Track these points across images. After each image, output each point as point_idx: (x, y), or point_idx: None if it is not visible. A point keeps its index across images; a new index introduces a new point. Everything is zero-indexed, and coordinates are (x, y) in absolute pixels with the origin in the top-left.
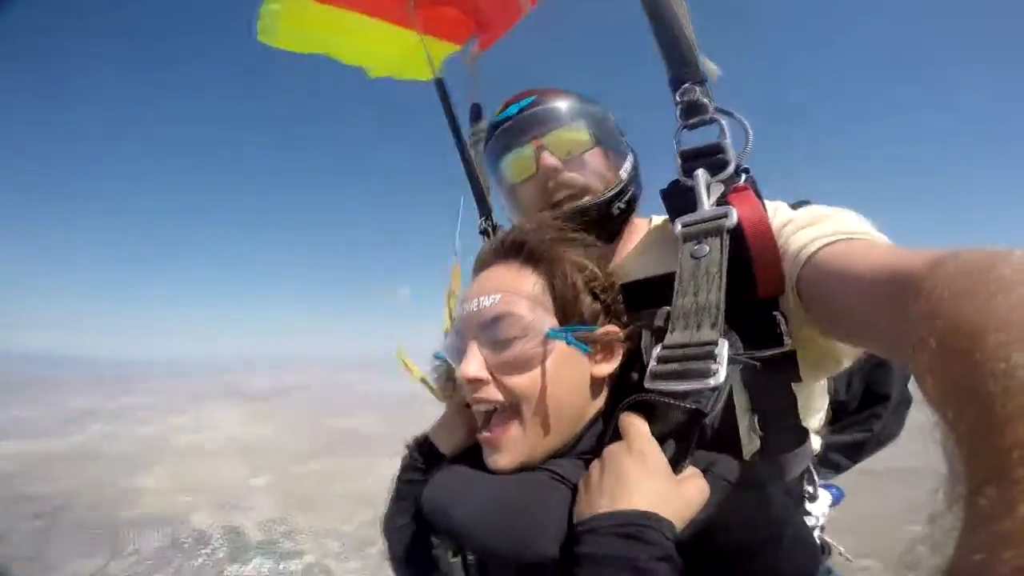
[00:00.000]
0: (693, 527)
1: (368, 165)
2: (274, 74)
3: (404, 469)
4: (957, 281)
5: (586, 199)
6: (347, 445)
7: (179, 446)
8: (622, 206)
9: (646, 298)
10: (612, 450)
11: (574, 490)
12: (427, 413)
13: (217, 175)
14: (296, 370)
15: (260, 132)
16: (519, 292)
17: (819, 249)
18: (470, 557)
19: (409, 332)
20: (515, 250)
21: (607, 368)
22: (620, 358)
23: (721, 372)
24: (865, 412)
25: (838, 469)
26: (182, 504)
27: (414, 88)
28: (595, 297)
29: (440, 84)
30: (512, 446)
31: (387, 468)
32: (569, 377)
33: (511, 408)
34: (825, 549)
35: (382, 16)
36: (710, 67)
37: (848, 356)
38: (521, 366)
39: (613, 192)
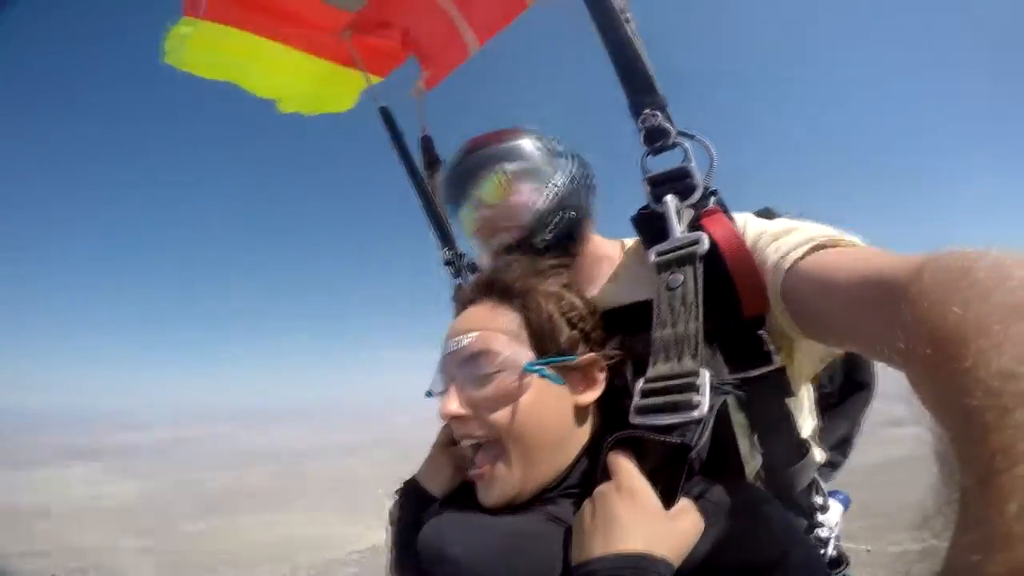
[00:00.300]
0: (692, 560)
1: (254, 201)
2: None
3: (396, 516)
4: (938, 287)
5: (508, 236)
6: (236, 502)
7: (20, 507)
8: (547, 237)
9: (624, 325)
10: (602, 491)
11: (568, 530)
12: (317, 467)
13: (73, 207)
14: (171, 425)
15: (129, 165)
16: (495, 328)
17: (801, 257)
18: None
19: (303, 379)
20: (488, 288)
21: (590, 396)
22: (603, 385)
23: (704, 403)
24: (848, 402)
25: (835, 467)
26: (32, 571)
27: (302, 124)
28: (573, 326)
29: (386, 113)
30: (500, 481)
31: (283, 524)
32: (550, 409)
33: (495, 443)
34: (843, 559)
35: (300, 46)
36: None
37: (829, 357)
38: (501, 400)
39: (532, 223)
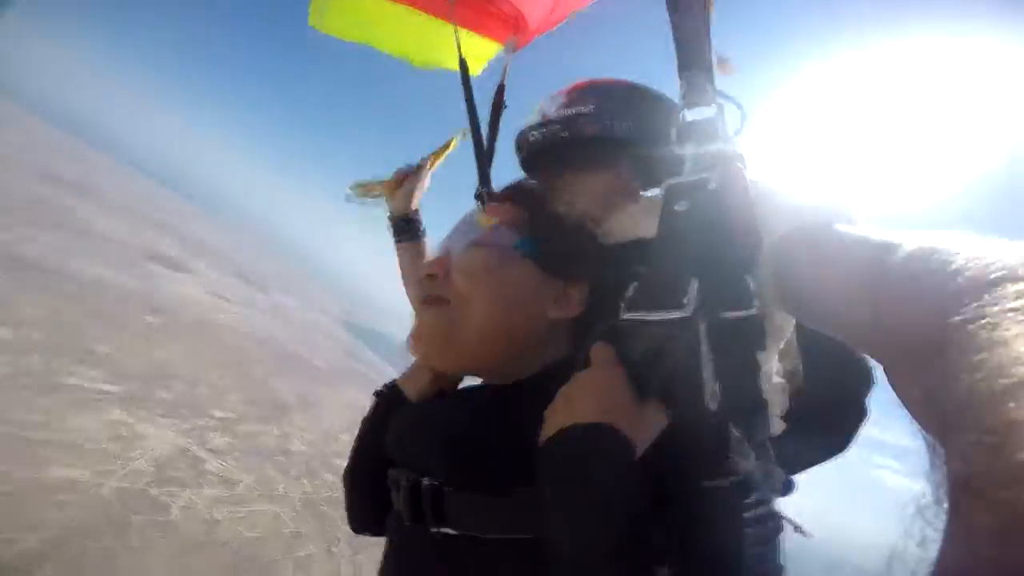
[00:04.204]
0: (654, 457)
1: None
2: None
3: (369, 416)
4: (916, 277)
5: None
6: None
7: None
8: (564, 135)
9: (629, 258)
10: (578, 374)
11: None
12: None
13: None
14: None
15: None
16: (501, 213)
17: (799, 225)
18: (425, 481)
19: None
20: (507, 190)
21: (558, 313)
22: (577, 308)
23: (689, 304)
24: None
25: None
26: None
27: None
28: (568, 238)
29: (464, 66)
30: (430, 332)
31: None
32: (520, 297)
33: (445, 301)
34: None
35: (426, 9)
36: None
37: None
38: (471, 265)
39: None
